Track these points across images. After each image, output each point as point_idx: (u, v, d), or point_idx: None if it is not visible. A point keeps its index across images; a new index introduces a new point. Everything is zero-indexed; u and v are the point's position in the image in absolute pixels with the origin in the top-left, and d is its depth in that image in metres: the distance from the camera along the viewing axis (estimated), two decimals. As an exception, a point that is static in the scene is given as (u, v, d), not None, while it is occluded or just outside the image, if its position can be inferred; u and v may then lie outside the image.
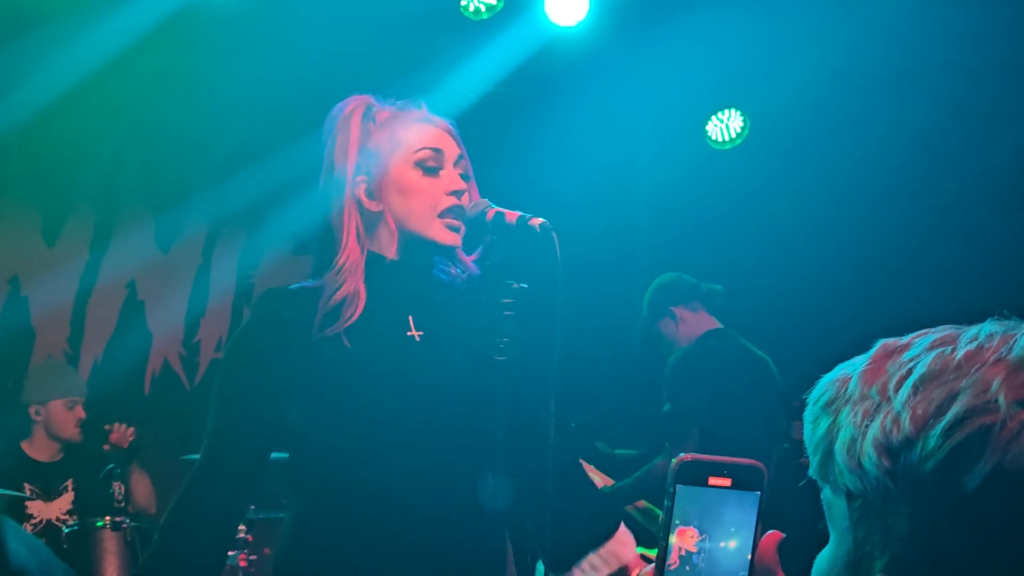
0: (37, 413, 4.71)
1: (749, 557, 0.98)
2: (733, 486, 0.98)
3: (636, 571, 2.28)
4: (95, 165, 5.62)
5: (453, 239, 2.21)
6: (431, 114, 2.31)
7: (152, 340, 5.72)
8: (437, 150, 2.24)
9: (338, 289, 2.17)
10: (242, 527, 4.74)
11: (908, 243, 5.39)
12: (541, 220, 2.13)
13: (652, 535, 4.24)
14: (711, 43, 5.43)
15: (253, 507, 4.80)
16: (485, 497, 2.19)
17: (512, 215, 2.15)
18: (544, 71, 5.63)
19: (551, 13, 5.27)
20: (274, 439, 2.18)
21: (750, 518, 0.98)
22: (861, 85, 5.39)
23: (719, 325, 4.66)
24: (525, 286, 2.22)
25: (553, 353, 2.15)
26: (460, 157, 2.28)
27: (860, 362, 1.01)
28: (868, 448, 0.93)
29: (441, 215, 2.20)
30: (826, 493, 1.01)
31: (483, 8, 5.29)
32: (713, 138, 6.06)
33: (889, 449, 0.92)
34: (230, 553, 4.64)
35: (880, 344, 1.01)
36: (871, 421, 0.94)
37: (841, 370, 1.03)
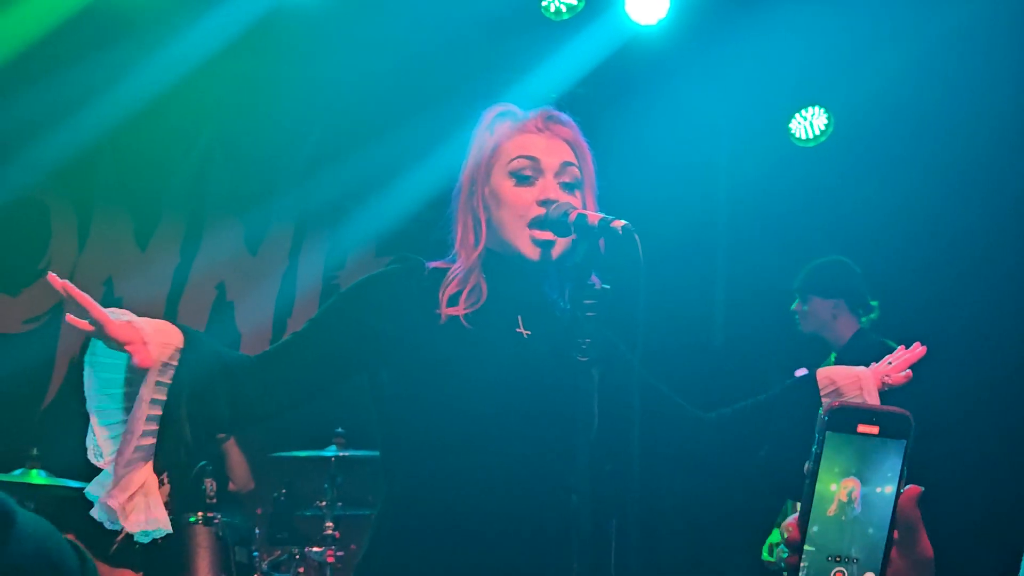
0: None
1: (893, 506, 0.99)
2: (881, 434, 0.99)
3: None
4: (184, 170, 5.75)
5: (535, 254, 2.24)
6: (550, 123, 2.35)
7: (241, 340, 5.82)
8: (532, 158, 2.27)
9: (455, 280, 2.25)
10: (329, 524, 4.82)
11: (998, 241, 5.29)
12: (623, 222, 2.13)
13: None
14: (794, 39, 5.39)
15: (341, 504, 4.87)
16: (569, 497, 2.21)
17: (595, 217, 2.16)
18: (625, 70, 5.62)
19: (632, 12, 5.26)
20: (346, 373, 2.24)
21: (896, 466, 0.99)
22: (946, 81, 5.30)
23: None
24: (608, 287, 2.25)
25: (636, 354, 2.17)
26: (565, 165, 2.29)
27: None
28: None
29: (530, 225, 2.23)
30: None
31: (564, 8, 5.31)
32: (797, 136, 6.01)
33: None
34: (317, 549, 4.72)
35: None
36: None
37: None
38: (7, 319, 5.30)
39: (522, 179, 2.26)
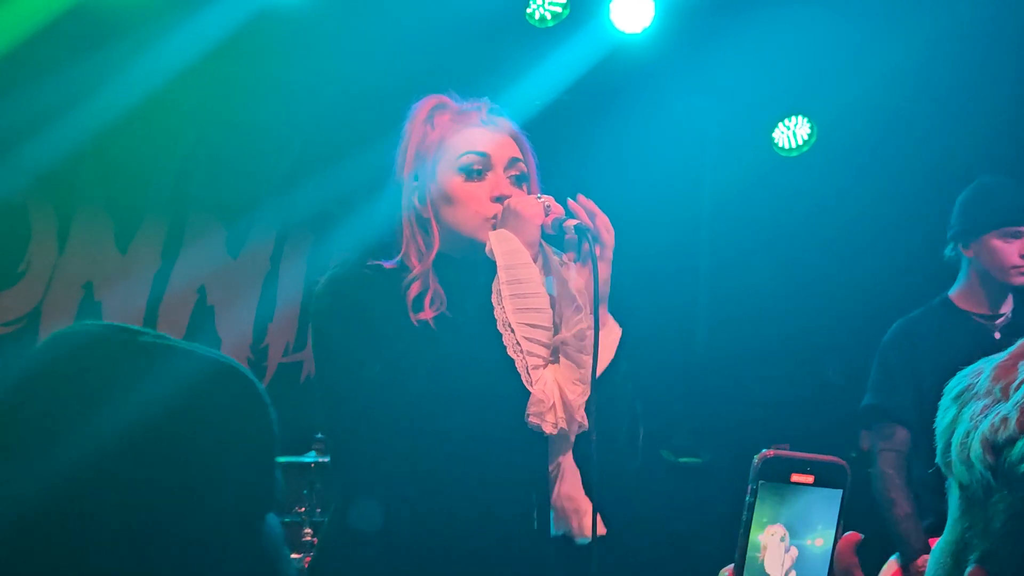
0: None
1: (830, 556, 0.98)
2: (816, 483, 0.98)
3: None
4: (166, 173, 5.72)
5: None
6: (492, 116, 2.32)
7: (221, 345, 5.79)
8: (482, 154, 2.25)
9: (415, 283, 2.21)
10: (308, 530, 4.80)
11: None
12: (576, 222, 2.17)
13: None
14: (778, 49, 5.40)
15: (319, 510, 4.85)
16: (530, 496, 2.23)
17: (570, 221, 2.19)
18: (609, 78, 5.62)
19: (616, 20, 5.27)
20: None
21: (832, 516, 0.98)
22: (929, 90, 5.32)
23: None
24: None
25: (594, 358, 2.15)
26: (514, 161, 2.28)
27: (998, 357, 1.01)
28: (975, 443, 0.94)
29: (486, 219, 2.23)
30: (949, 481, 1.02)
31: (548, 15, 5.31)
32: (780, 145, 6.02)
33: (994, 446, 0.93)
34: (295, 556, 4.69)
35: (1022, 341, 1.02)
36: (984, 417, 0.95)
37: (980, 363, 1.03)
38: (-15, 322, 5.26)
39: (472, 175, 2.24)
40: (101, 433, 1.01)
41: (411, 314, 2.17)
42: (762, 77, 5.72)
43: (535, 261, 2.17)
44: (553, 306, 2.16)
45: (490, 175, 2.25)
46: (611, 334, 2.27)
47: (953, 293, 3.77)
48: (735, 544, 0.98)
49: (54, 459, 1.01)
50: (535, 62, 5.34)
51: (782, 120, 6.01)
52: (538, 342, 2.13)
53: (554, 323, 2.16)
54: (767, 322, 5.97)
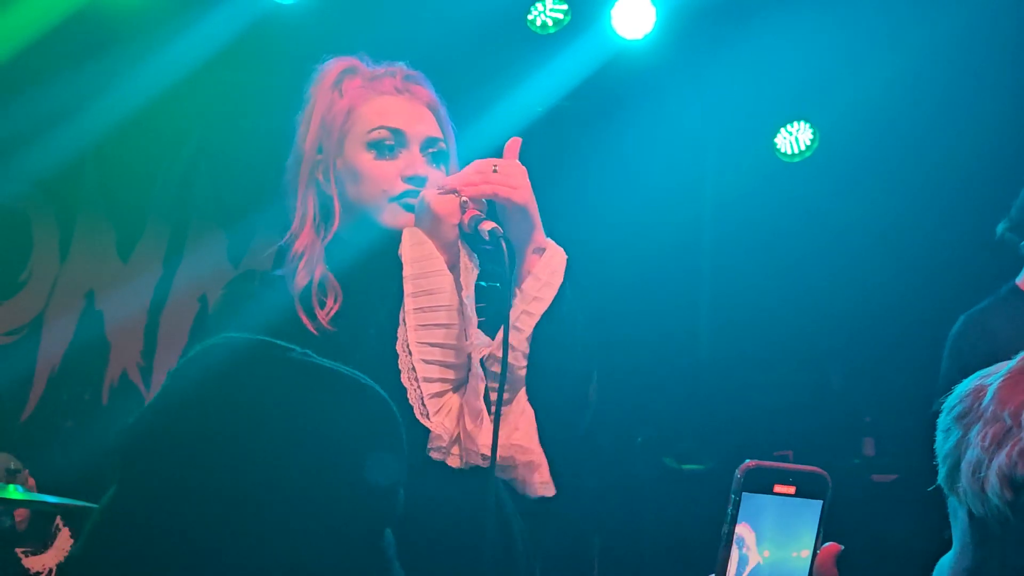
0: None
1: (810, 567, 0.97)
2: (797, 494, 0.97)
3: None
4: (168, 182, 5.72)
5: (405, 220, 1.97)
6: (409, 83, 2.09)
7: (223, 353, 5.78)
8: (395, 131, 2.01)
9: (301, 273, 1.96)
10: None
11: (987, 260, 5.29)
12: (492, 225, 1.88)
13: None
14: (779, 55, 5.39)
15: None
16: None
17: (487, 223, 1.91)
18: (611, 84, 5.62)
19: (618, 26, 5.26)
20: None
21: (812, 526, 0.97)
22: (931, 96, 5.32)
23: None
24: (497, 285, 1.98)
25: (503, 366, 1.83)
26: (432, 140, 2.05)
27: (998, 375, 0.99)
28: (992, 477, 0.91)
29: (393, 199, 1.99)
30: (952, 502, 1.00)
31: (550, 22, 5.30)
32: (782, 151, 6.01)
33: (1012, 481, 0.90)
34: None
35: (1021, 357, 0.99)
36: (998, 448, 0.93)
37: (978, 379, 1.01)
38: (-13, 331, 5.26)
39: (383, 151, 2.00)
40: (247, 440, 1.05)
41: (302, 317, 1.90)
42: (764, 82, 5.72)
43: (451, 268, 1.91)
44: (464, 321, 1.88)
45: (404, 153, 2.01)
46: (555, 257, 1.96)
47: (1021, 280, 3.68)
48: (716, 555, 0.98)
49: (201, 462, 1.05)
50: (536, 68, 5.34)
51: (784, 126, 6.00)
52: (438, 363, 1.85)
53: (462, 341, 1.87)
54: (769, 328, 5.95)
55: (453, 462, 1.85)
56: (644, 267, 5.95)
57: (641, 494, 5.60)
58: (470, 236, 1.92)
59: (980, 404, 0.98)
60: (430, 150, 2.04)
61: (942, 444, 1.00)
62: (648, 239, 5.93)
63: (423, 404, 1.82)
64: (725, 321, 6.35)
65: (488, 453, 1.79)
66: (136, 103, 5.13)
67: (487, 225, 1.88)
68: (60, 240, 5.46)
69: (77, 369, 5.40)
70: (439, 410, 1.84)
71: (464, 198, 1.90)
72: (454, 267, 1.91)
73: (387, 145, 2.00)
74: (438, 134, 2.06)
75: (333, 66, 2.12)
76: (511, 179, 1.93)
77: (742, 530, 0.96)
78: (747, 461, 0.97)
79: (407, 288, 1.87)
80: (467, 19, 5.06)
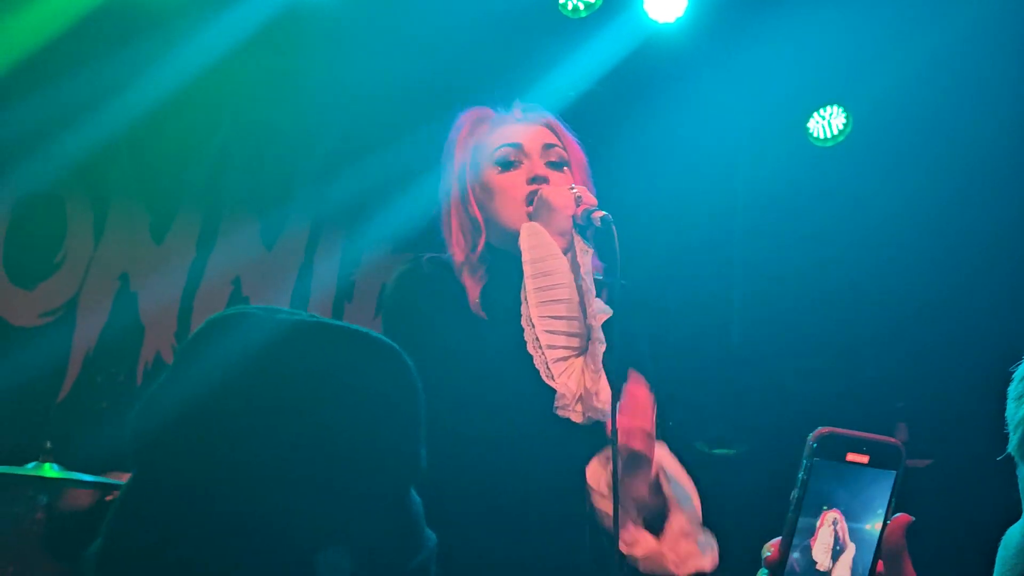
0: None
1: (878, 537, 0.96)
2: (870, 463, 0.96)
3: None
4: (201, 165, 5.75)
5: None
6: (526, 112, 2.40)
7: (255, 335, 5.81)
8: (515, 145, 2.31)
9: (464, 273, 2.28)
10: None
11: (1022, 242, 5.25)
12: (603, 213, 2.18)
13: None
14: (813, 38, 5.35)
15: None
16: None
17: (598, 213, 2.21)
18: (642, 68, 5.60)
19: (650, 10, 5.24)
20: None
21: (884, 497, 0.97)
22: (967, 79, 5.26)
23: None
24: (600, 277, 2.29)
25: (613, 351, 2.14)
26: (549, 146, 2.32)
27: None
28: None
29: (527, 202, 2.27)
30: (1021, 470, 0.99)
31: (581, 6, 5.29)
32: (815, 135, 5.97)
33: None
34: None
35: None
36: None
37: None
38: (23, 313, 5.30)
39: (507, 165, 2.30)
40: (264, 407, 1.06)
41: (472, 306, 2.24)
42: (797, 66, 5.68)
43: (567, 252, 2.19)
44: (582, 296, 2.16)
45: (526, 162, 2.30)
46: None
47: None
48: (784, 520, 0.97)
49: (218, 431, 1.05)
50: (568, 53, 5.33)
51: (817, 110, 5.96)
52: (562, 333, 2.14)
53: (583, 313, 2.16)
54: (801, 313, 5.93)
55: (576, 418, 2.14)
56: (676, 252, 5.93)
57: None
58: (582, 227, 2.20)
59: None
60: (549, 157, 2.32)
61: (1014, 412, 0.99)
62: (680, 224, 5.92)
63: (548, 368, 2.12)
64: (757, 306, 6.34)
65: (607, 409, 2.09)
66: (170, 89, 5.16)
67: (599, 214, 2.17)
68: (94, 223, 5.50)
69: (112, 350, 5.44)
70: (563, 372, 2.13)
71: (578, 192, 2.21)
72: (568, 251, 2.19)
73: (510, 160, 2.31)
74: (554, 141, 2.35)
75: (467, 117, 2.44)
76: None
77: (812, 496, 0.96)
78: (820, 428, 0.96)
79: (527, 271, 2.17)
80: (499, 3, 5.06)
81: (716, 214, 6.39)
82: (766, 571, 0.97)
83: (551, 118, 2.39)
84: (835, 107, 5.92)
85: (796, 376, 5.94)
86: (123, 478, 4.01)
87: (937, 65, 5.20)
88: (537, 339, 2.12)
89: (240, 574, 1.02)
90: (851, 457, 0.96)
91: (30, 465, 3.98)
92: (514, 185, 2.28)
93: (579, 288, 2.17)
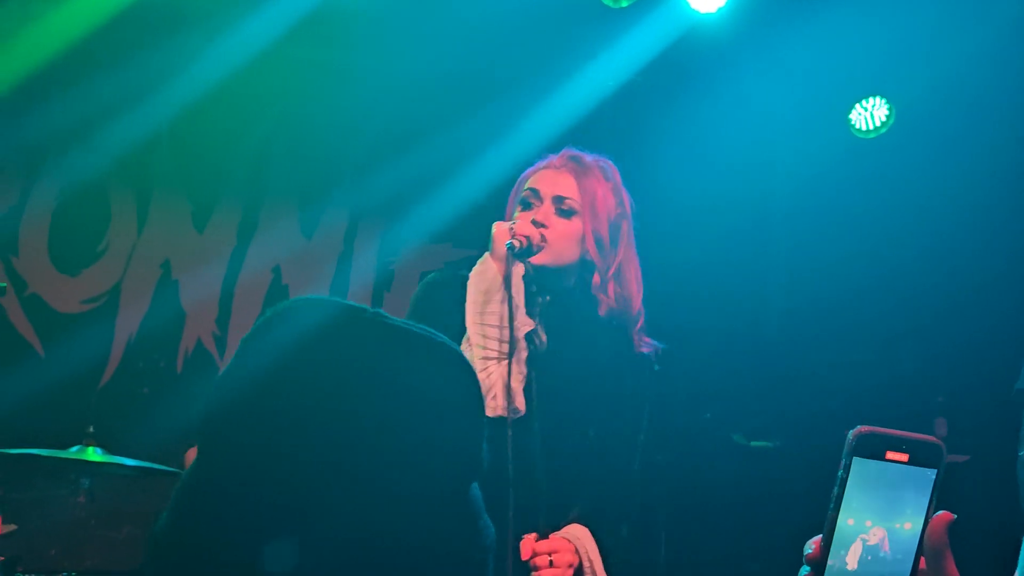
0: None
1: (920, 536, 0.96)
2: (910, 462, 0.96)
3: None
4: (242, 156, 5.79)
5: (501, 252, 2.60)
6: (566, 160, 2.73)
7: (295, 325, 5.84)
8: (534, 190, 2.68)
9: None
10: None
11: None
12: (519, 244, 2.55)
13: None
14: (855, 28, 5.31)
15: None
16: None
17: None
18: (684, 59, 5.58)
19: (692, 0, 5.22)
20: None
21: (924, 496, 0.97)
22: (1011, 71, 5.20)
23: None
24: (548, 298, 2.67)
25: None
26: (559, 199, 2.65)
27: None
28: None
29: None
30: None
31: (623, -4, 5.27)
32: (857, 127, 5.93)
33: None
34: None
35: None
36: None
37: None
38: (66, 299, 5.38)
39: (526, 205, 2.68)
40: (327, 402, 1.08)
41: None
42: (839, 57, 5.64)
43: (506, 274, 2.56)
44: (512, 310, 2.52)
45: (539, 206, 2.66)
46: None
47: None
48: (823, 519, 0.96)
49: (282, 426, 1.07)
50: (609, 43, 5.32)
51: (859, 101, 5.91)
52: (496, 339, 2.52)
53: (510, 325, 2.51)
54: (840, 305, 5.89)
55: (490, 412, 2.46)
56: (717, 244, 5.92)
57: (709, 469, 5.59)
58: (514, 251, 2.58)
59: None
60: (560, 205, 2.65)
61: None
62: (720, 216, 5.90)
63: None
64: (796, 298, 6.30)
65: (521, 408, 2.50)
66: (212, 81, 5.21)
67: (515, 243, 2.54)
68: (137, 212, 5.56)
69: (153, 337, 5.50)
70: (485, 370, 2.49)
71: (512, 226, 2.59)
72: (507, 274, 2.56)
73: (528, 201, 2.69)
74: (570, 194, 2.67)
75: (536, 163, 2.78)
76: None
77: (852, 495, 0.95)
78: (860, 426, 0.96)
79: (469, 289, 2.57)
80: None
81: (757, 205, 6.36)
82: (807, 568, 0.97)
83: (584, 167, 2.69)
84: (878, 98, 5.87)
85: (834, 369, 5.90)
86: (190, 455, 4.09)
87: (981, 56, 5.15)
88: (468, 340, 2.53)
89: (299, 561, 1.04)
90: (891, 455, 0.95)
91: (73, 449, 4.03)
92: (523, 222, 2.64)
93: (509, 302, 2.52)
